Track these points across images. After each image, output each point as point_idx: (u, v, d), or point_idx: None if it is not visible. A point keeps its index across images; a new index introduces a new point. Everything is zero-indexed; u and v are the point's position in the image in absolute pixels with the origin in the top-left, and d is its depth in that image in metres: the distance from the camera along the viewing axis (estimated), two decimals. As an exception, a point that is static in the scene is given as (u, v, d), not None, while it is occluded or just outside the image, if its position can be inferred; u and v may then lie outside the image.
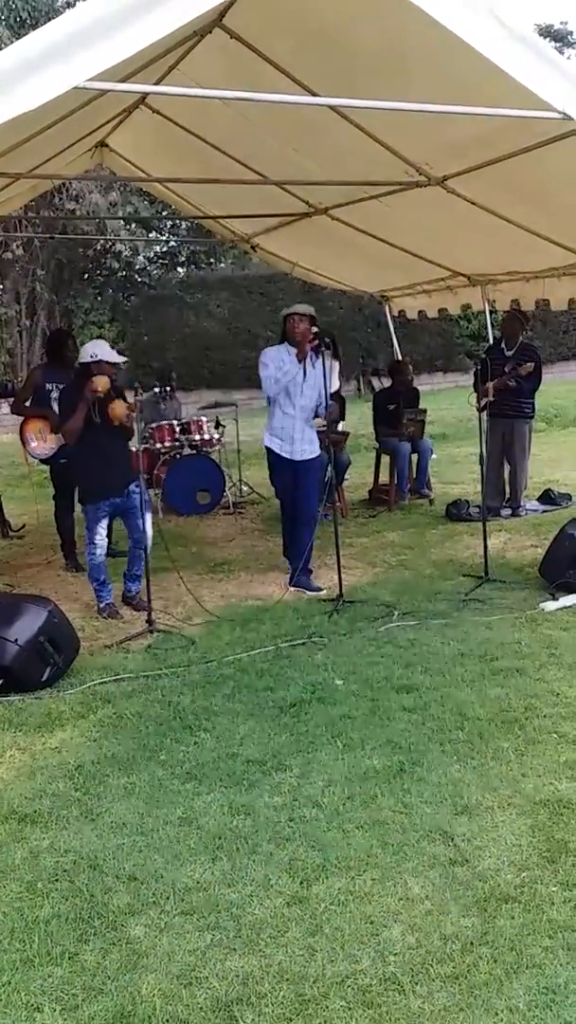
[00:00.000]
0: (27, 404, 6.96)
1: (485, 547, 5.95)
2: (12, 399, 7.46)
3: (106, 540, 5.74)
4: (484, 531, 6.01)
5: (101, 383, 5.39)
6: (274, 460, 5.99)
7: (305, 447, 5.88)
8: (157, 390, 9.32)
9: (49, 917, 2.67)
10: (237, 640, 5.03)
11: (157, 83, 6.43)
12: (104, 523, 5.68)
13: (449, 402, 15.01)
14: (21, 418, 6.97)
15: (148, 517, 5.65)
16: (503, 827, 3.03)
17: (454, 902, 2.66)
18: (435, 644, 4.78)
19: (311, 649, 4.82)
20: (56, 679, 4.49)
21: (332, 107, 5.59)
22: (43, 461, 6.98)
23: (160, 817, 3.20)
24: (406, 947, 2.48)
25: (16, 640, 4.33)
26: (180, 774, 3.51)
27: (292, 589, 5.93)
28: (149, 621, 5.28)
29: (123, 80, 5.37)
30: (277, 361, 5.75)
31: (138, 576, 5.76)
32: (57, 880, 2.86)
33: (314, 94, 5.49)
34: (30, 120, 4.98)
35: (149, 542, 5.64)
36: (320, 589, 5.86)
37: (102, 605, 5.72)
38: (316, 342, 5.66)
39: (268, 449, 6.01)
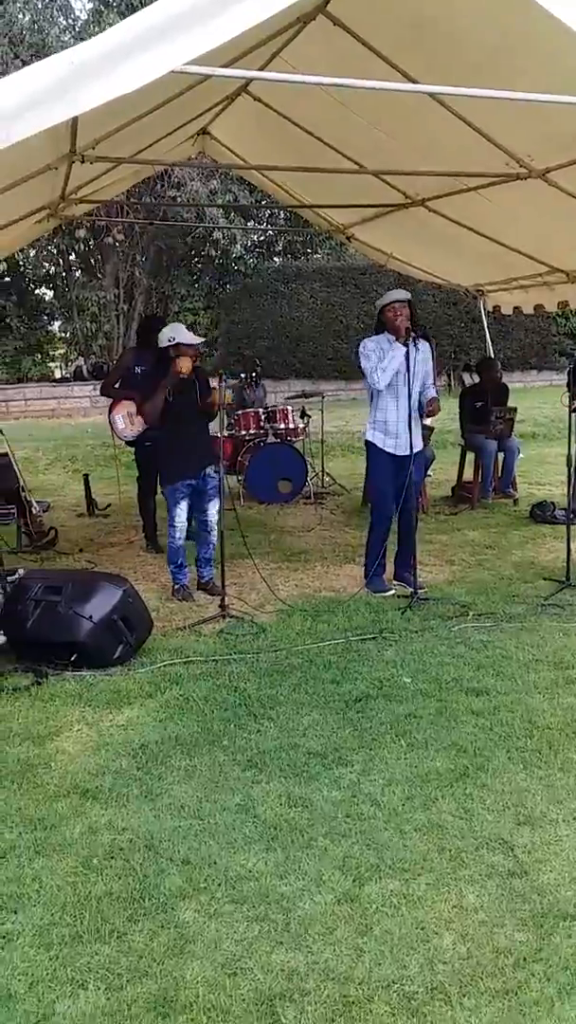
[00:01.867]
0: (116, 386, 7.07)
1: (568, 550, 5.77)
2: (103, 383, 7.61)
3: (186, 524, 5.78)
4: (568, 534, 5.82)
5: (184, 365, 5.42)
6: (376, 455, 5.77)
7: (408, 442, 5.69)
8: (244, 376, 9.36)
9: (101, 894, 2.71)
10: (308, 631, 5.01)
11: (260, 70, 6.47)
12: (183, 505, 5.72)
13: (542, 400, 14.65)
14: (111, 400, 7.09)
15: (215, 504, 5.67)
16: (566, 841, 2.92)
17: (510, 915, 2.58)
18: (509, 648, 4.66)
19: (381, 645, 4.76)
20: (128, 657, 4.56)
21: (434, 96, 5.49)
22: (129, 443, 7.09)
23: (218, 802, 3.21)
24: (456, 957, 2.42)
25: (91, 616, 4.41)
26: (241, 761, 3.51)
27: (396, 586, 5.80)
28: (222, 606, 5.30)
29: (225, 66, 5.43)
30: (379, 352, 5.61)
31: (208, 560, 5.80)
32: (112, 858, 2.90)
33: (416, 83, 5.39)
34: (130, 104, 5.05)
35: (214, 529, 5.65)
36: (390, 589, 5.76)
37: (177, 587, 5.78)
38: (417, 330, 5.52)
39: (370, 444, 5.80)
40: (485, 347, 10.63)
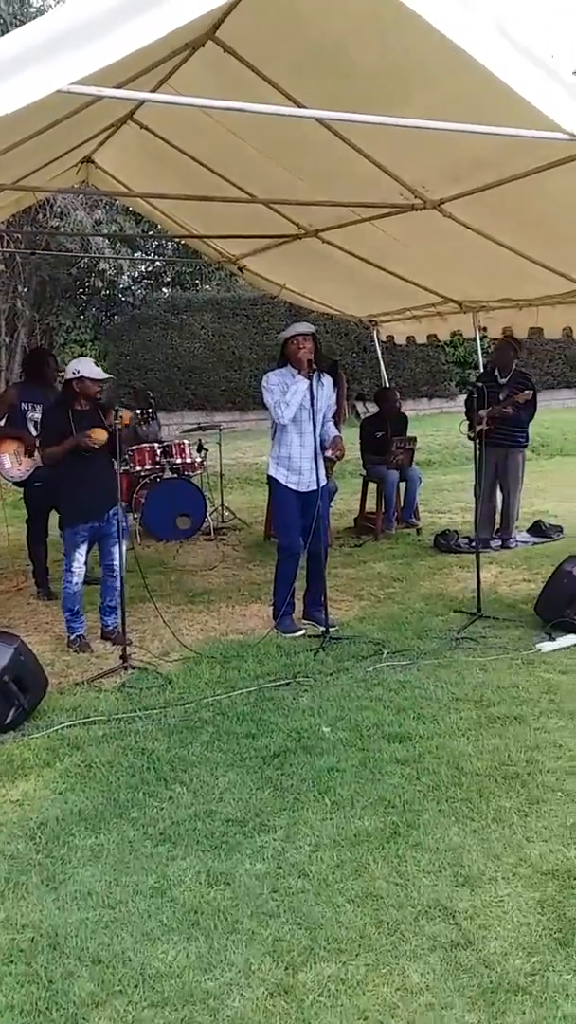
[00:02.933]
0: (1, 424, 6.66)
1: (478, 582, 5.71)
2: None
3: (84, 568, 5.43)
4: (478, 565, 5.77)
5: (100, 437, 5.16)
6: (280, 491, 5.58)
7: (313, 477, 5.53)
8: (139, 412, 9.05)
9: (1, 1009, 2.36)
10: (217, 679, 4.74)
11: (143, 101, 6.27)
12: (83, 549, 5.38)
13: (434, 428, 14.88)
14: None
15: (123, 547, 5.37)
16: (508, 902, 2.74)
17: (458, 993, 2.37)
18: (428, 687, 4.51)
19: (296, 691, 4.53)
20: (21, 721, 4.17)
21: (327, 125, 5.41)
22: (16, 484, 6.68)
23: (130, 886, 2.89)
24: (405, 1051, 2.19)
25: (-22, 679, 4.01)
26: (153, 835, 3.20)
27: (306, 625, 5.61)
28: (123, 657, 4.97)
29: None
30: (282, 385, 5.42)
31: (113, 608, 5.47)
32: (12, 962, 2.55)
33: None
34: (10, 127, 4.75)
35: (122, 570, 5.34)
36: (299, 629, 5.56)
37: (72, 637, 5.42)
38: (323, 363, 5.38)
39: (273, 480, 5.61)
40: (379, 377, 10.67)
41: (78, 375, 5.25)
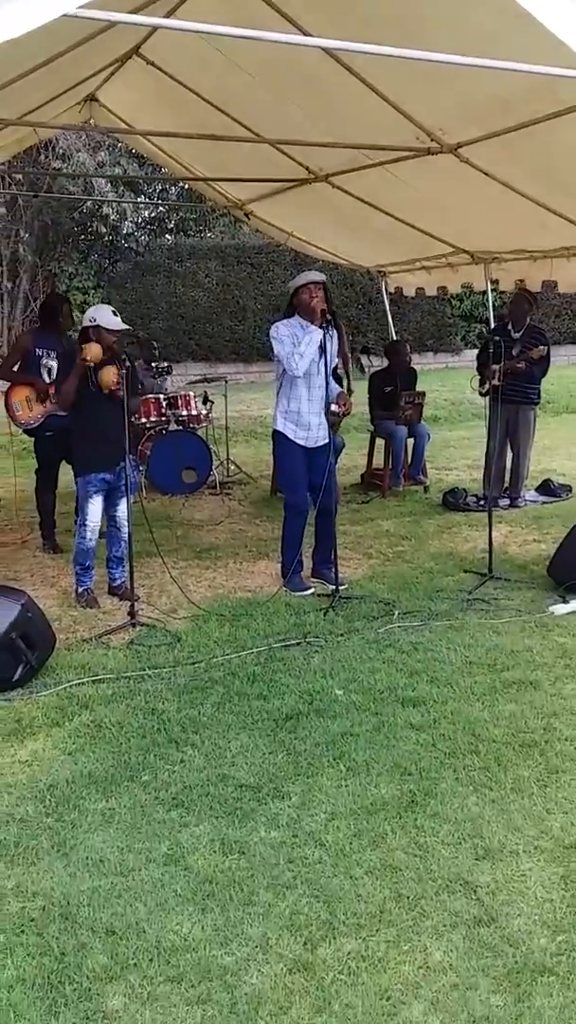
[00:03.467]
0: (15, 370, 6.50)
1: (490, 542, 5.61)
2: None
3: (98, 521, 5.30)
4: (490, 525, 5.67)
5: (92, 352, 4.99)
6: (286, 447, 5.45)
7: (322, 433, 5.41)
8: (155, 365, 8.88)
9: (12, 982, 2.30)
10: (226, 638, 4.66)
11: (149, 33, 5.98)
12: (97, 501, 5.25)
13: (440, 382, 14.64)
14: (6, 384, 6.51)
15: (129, 499, 5.24)
16: (531, 877, 2.68)
17: (482, 973, 2.31)
18: (440, 649, 4.43)
19: (307, 651, 4.45)
20: (29, 679, 4.10)
21: (341, 61, 5.16)
22: (27, 432, 6.53)
23: (143, 853, 2.83)
24: (429, 1030, 2.14)
25: (-16, 637, 3.93)
26: (165, 799, 3.13)
27: (315, 583, 5.51)
28: (131, 613, 4.88)
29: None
30: (292, 336, 5.24)
31: (120, 560, 5.36)
32: (23, 932, 2.49)
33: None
34: (12, 56, 4.51)
35: (129, 525, 5.23)
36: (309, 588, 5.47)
37: (80, 590, 5.32)
38: (325, 313, 5.20)
39: (279, 435, 5.46)
40: (385, 329, 10.44)
41: (94, 323, 5.09)
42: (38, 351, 6.33)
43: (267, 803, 3.09)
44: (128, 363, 5.08)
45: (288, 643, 4.54)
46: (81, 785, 3.24)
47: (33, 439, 6.51)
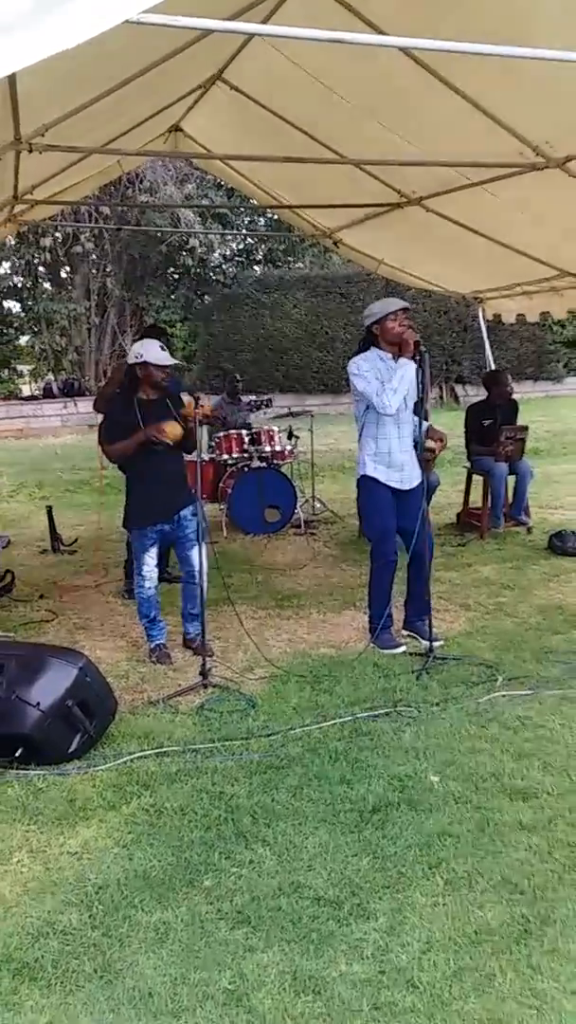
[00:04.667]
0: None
1: (605, 597, 4.99)
2: (95, 397, 6.77)
3: (156, 572, 4.94)
4: (604, 577, 5.05)
5: (172, 432, 4.64)
6: (376, 493, 4.96)
7: (415, 472, 4.93)
8: (252, 400, 8.58)
9: None
10: (306, 705, 4.18)
11: (233, 55, 5.70)
12: (153, 552, 4.90)
13: (542, 413, 13.96)
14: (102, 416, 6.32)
15: (203, 548, 4.85)
16: None
17: None
18: (553, 726, 3.85)
19: (397, 724, 3.93)
20: (87, 750, 3.72)
21: (434, 72, 4.73)
22: (121, 468, 6.28)
23: (199, 986, 2.37)
24: None
25: (38, 704, 3.56)
26: (229, 912, 2.67)
27: (407, 637, 5.04)
28: (203, 673, 4.47)
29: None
30: (375, 371, 4.80)
31: (196, 616, 4.97)
32: None
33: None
34: (85, 76, 4.24)
35: (203, 578, 4.83)
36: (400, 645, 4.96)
37: (152, 646, 4.95)
38: (419, 344, 4.73)
39: (370, 480, 4.97)
40: (481, 358, 9.91)
41: (140, 359, 4.74)
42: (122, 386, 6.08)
43: (349, 924, 2.59)
44: (196, 397, 4.74)
45: (376, 713, 4.03)
46: (134, 888, 2.80)
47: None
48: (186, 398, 4.93)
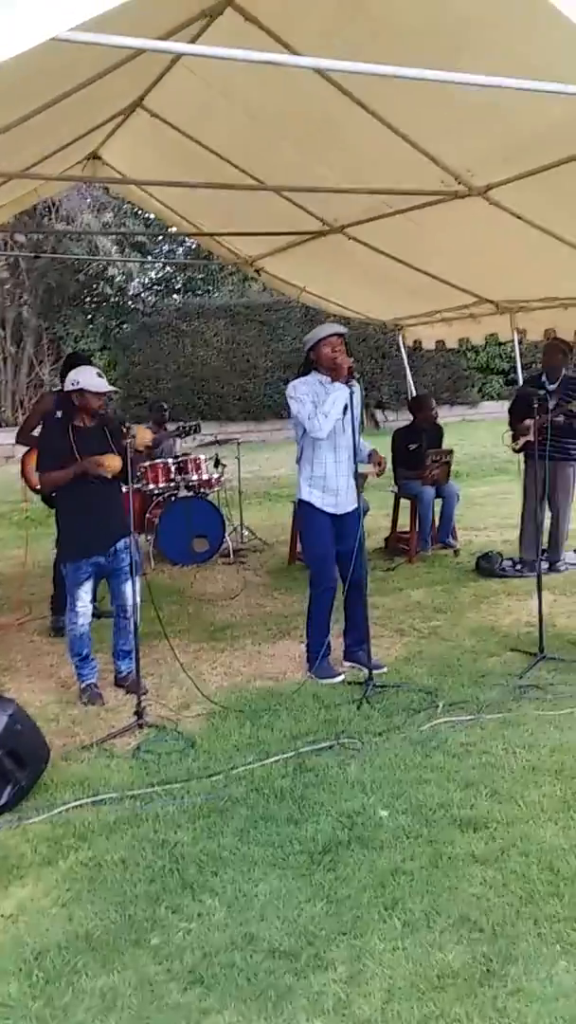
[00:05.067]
0: (34, 433, 6.04)
1: (540, 616, 5.02)
2: (18, 429, 6.52)
3: (90, 608, 4.77)
4: (539, 596, 5.08)
5: (111, 465, 4.49)
6: (314, 518, 4.89)
7: (351, 497, 4.88)
8: (181, 426, 8.44)
9: None
10: (247, 742, 4.06)
11: (154, 82, 5.64)
12: (88, 587, 4.73)
13: (459, 436, 14.16)
14: (26, 447, 6.09)
15: (136, 583, 4.70)
16: None
17: None
18: (496, 751, 3.82)
19: (341, 757, 3.84)
20: (18, 802, 3.51)
21: (358, 100, 4.76)
22: (45, 501, 6.06)
23: (151, 1057, 2.22)
24: None
25: (-34, 755, 3.36)
26: (180, 972, 2.52)
27: (347, 668, 4.96)
28: (137, 713, 4.30)
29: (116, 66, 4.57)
30: (313, 395, 4.75)
31: (128, 653, 4.81)
32: None
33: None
34: (4, 96, 4.11)
35: (136, 612, 4.69)
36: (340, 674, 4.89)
37: (83, 686, 4.76)
38: (352, 370, 4.71)
39: (306, 504, 4.91)
40: (401, 383, 10.03)
41: (77, 386, 4.59)
42: (59, 413, 5.89)
43: (307, 977, 2.48)
44: (125, 428, 4.61)
45: (319, 746, 3.94)
46: (77, 952, 2.63)
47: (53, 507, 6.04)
48: (143, 432, 4.79)
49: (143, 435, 4.56)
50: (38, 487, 5.91)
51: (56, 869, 3.08)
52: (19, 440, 6.20)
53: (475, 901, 2.77)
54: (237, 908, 2.80)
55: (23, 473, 6.03)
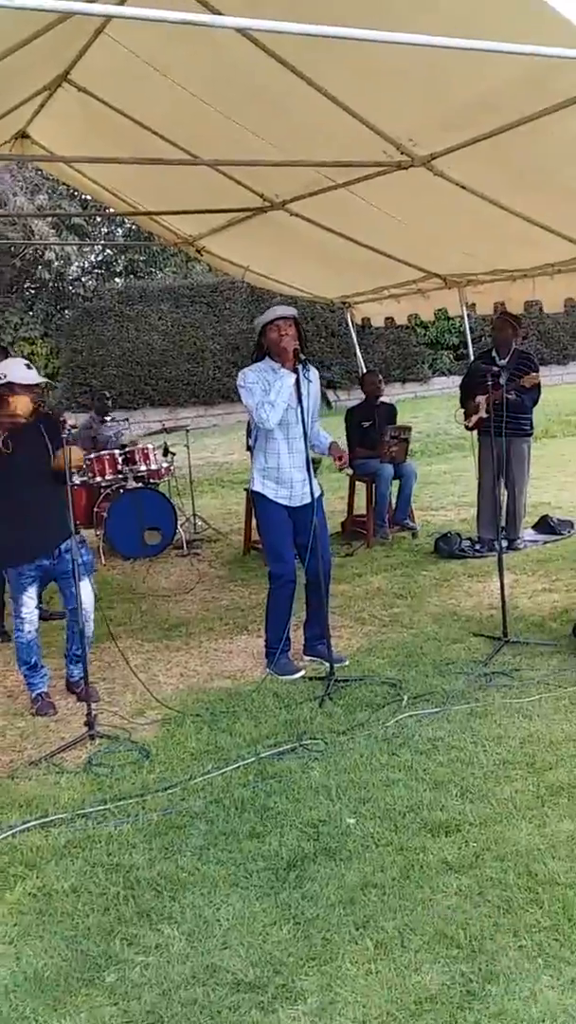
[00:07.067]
0: None
1: (503, 599, 4.89)
2: None
3: (36, 613, 4.53)
4: (501, 578, 4.96)
5: (76, 458, 4.32)
6: (268, 510, 4.70)
7: (307, 489, 4.64)
8: (106, 418, 8.16)
9: None
10: (205, 748, 3.86)
11: (79, 54, 5.33)
12: (32, 591, 4.48)
13: (412, 414, 14.05)
14: None
15: (86, 585, 4.46)
16: None
17: None
18: (465, 745, 3.68)
19: (304, 760, 3.67)
20: (-38, 827, 3.29)
21: (292, 67, 4.52)
22: None
23: None
24: None
25: None
26: (138, 1014, 2.33)
27: (308, 662, 4.81)
28: (88, 724, 4.08)
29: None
30: (263, 383, 4.54)
31: (80, 657, 4.57)
32: None
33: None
34: None
35: (89, 615, 4.46)
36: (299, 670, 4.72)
37: (34, 695, 4.52)
38: (298, 352, 4.51)
39: (259, 496, 4.71)
40: (352, 362, 9.85)
41: (4, 380, 4.32)
42: None
43: (275, 1011, 2.30)
44: (69, 426, 4.35)
45: (281, 750, 3.75)
46: (25, 995, 2.42)
47: None
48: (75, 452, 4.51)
49: (75, 454, 4.30)
50: None
51: (2, 902, 2.86)
52: None
53: (451, 914, 2.62)
54: (198, 936, 2.61)
55: None
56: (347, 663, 4.67)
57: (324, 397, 17.60)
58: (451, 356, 18.01)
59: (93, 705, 4.20)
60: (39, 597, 4.59)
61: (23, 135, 7.02)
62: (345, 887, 2.78)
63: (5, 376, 4.28)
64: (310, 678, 4.57)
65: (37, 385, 4.39)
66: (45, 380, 4.54)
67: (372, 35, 3.11)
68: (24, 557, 4.39)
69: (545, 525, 7.27)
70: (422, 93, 4.44)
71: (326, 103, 4.75)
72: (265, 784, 3.48)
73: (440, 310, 8.32)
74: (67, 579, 4.45)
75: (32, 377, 4.33)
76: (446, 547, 6.80)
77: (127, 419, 8.50)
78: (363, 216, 6.31)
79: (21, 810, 3.42)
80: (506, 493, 6.89)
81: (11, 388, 4.28)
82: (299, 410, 4.52)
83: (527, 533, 7.18)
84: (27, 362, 4.46)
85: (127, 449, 7.88)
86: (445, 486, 9.79)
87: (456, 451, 11.73)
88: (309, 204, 6.40)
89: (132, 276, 18.14)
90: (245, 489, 4.92)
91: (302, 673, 4.63)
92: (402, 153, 5.13)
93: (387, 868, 2.86)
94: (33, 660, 4.51)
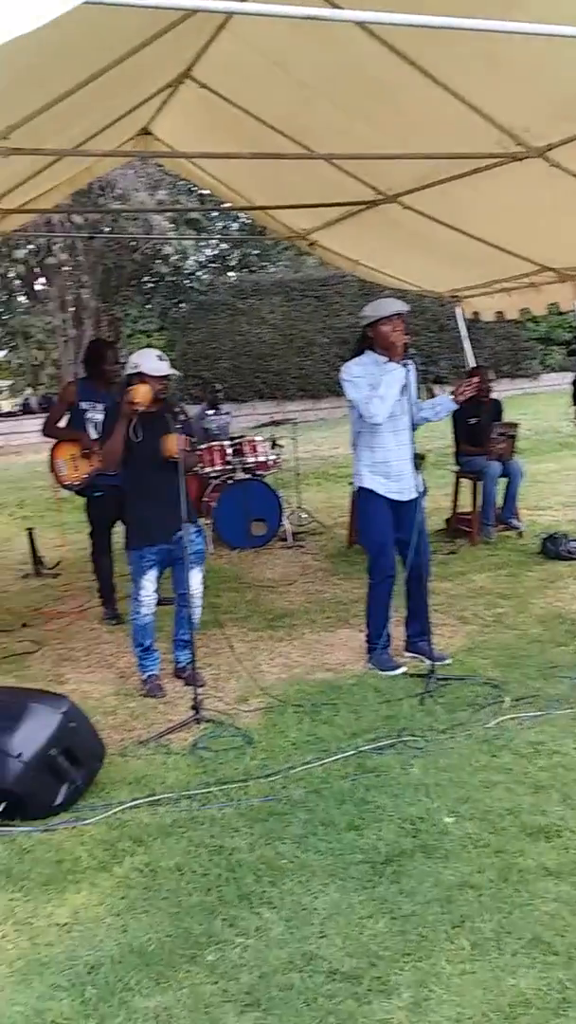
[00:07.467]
0: (60, 425, 5.96)
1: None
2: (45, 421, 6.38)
3: (154, 597, 4.65)
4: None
5: (139, 393, 4.36)
6: (376, 506, 4.67)
7: (413, 483, 4.64)
8: (203, 408, 8.33)
9: None
10: (306, 739, 3.93)
11: (201, 51, 5.46)
12: (152, 575, 4.61)
13: (520, 410, 13.75)
14: (54, 441, 5.97)
15: (197, 572, 4.59)
16: None
17: None
18: (567, 751, 3.62)
19: (403, 756, 3.69)
20: (74, 800, 3.45)
21: (409, 58, 4.50)
22: (77, 493, 5.99)
23: None
24: None
25: (20, 755, 3.30)
26: (236, 993, 2.42)
27: (408, 659, 4.81)
28: (195, 707, 4.21)
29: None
30: (368, 377, 4.55)
31: (187, 643, 4.70)
32: None
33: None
34: (48, 73, 4.01)
35: (197, 604, 4.58)
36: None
37: (145, 676, 4.68)
38: (407, 347, 4.52)
39: (367, 492, 4.70)
40: (460, 357, 9.71)
41: (136, 370, 4.49)
42: (83, 404, 5.79)
43: (370, 1002, 2.35)
44: (184, 416, 4.48)
45: (380, 744, 3.79)
46: (130, 967, 2.54)
47: (85, 500, 5.96)
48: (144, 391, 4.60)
49: (175, 444, 4.39)
50: (67, 483, 5.84)
51: (111, 875, 3.00)
52: (45, 432, 6.07)
53: (548, 920, 2.61)
54: (296, 923, 2.68)
55: (51, 468, 5.91)
56: (449, 662, 4.65)
57: (430, 391, 17.48)
58: (563, 352, 17.53)
59: (199, 690, 4.33)
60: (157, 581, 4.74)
61: (146, 132, 7.23)
62: (442, 885, 2.80)
63: (137, 366, 4.44)
64: (411, 675, 4.58)
65: (167, 376, 4.53)
66: (175, 372, 4.67)
67: (489, 25, 3.10)
68: (148, 540, 4.54)
69: None
70: (538, 82, 4.37)
71: (440, 93, 4.72)
72: (364, 778, 3.52)
73: (552, 304, 8.12)
74: (181, 564, 4.58)
75: (163, 368, 4.48)
76: (553, 548, 6.66)
77: (228, 412, 8.63)
78: (476, 208, 6.23)
79: (130, 787, 3.57)
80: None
81: (142, 378, 4.43)
82: (404, 401, 4.53)
83: None
84: (160, 353, 4.60)
85: (236, 441, 8.02)
86: (553, 485, 9.57)
87: (566, 450, 11.45)
88: (422, 196, 6.35)
89: (245, 270, 18.39)
90: (350, 483, 4.93)
91: (403, 670, 4.64)
92: (517, 144, 5.05)
93: (484, 870, 2.86)
94: (147, 643, 4.67)
